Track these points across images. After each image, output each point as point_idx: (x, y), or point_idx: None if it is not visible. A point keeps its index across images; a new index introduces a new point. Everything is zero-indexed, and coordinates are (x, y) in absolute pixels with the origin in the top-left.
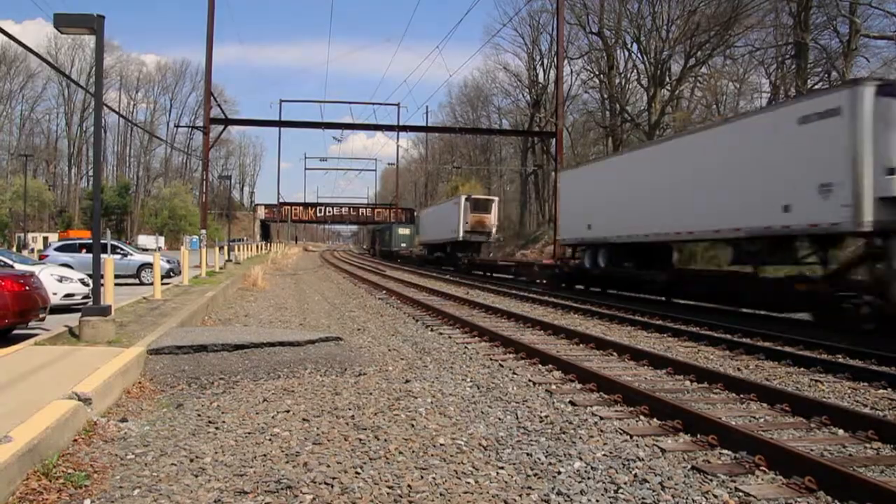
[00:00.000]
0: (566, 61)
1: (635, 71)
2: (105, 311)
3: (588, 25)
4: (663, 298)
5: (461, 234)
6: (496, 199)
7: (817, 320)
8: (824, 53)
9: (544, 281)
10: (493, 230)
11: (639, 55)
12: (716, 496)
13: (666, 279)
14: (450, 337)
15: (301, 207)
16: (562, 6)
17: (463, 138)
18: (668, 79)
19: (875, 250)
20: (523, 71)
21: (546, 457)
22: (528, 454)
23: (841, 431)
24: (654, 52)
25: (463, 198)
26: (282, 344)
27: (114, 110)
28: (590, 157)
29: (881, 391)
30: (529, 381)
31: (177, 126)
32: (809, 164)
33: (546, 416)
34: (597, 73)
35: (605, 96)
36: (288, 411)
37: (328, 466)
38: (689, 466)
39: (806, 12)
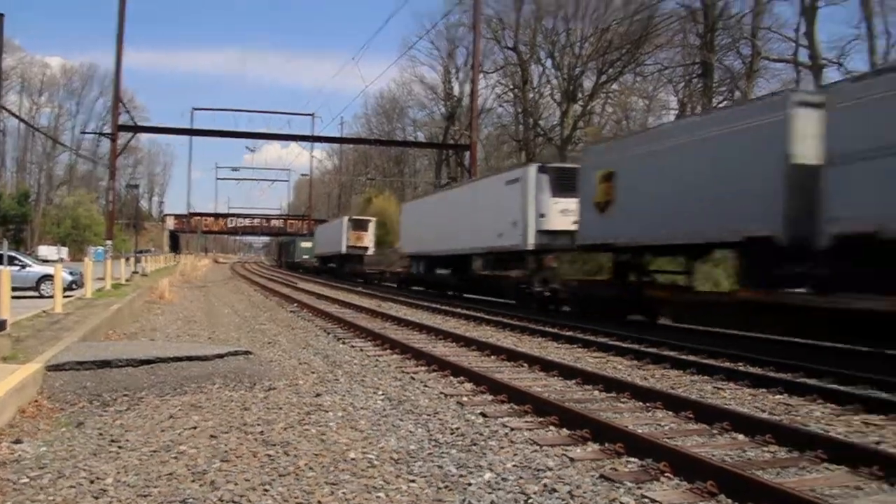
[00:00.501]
0: (481, 75)
1: (549, 86)
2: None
3: (503, 40)
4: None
5: (344, 248)
6: (373, 220)
7: (517, 303)
8: (729, 73)
9: (394, 284)
10: (371, 246)
11: (553, 71)
12: (623, 503)
13: (456, 281)
14: (361, 349)
15: (212, 218)
16: (478, 21)
17: (377, 150)
18: (580, 94)
19: (537, 261)
20: (439, 84)
21: (457, 469)
22: (438, 466)
23: (741, 436)
24: (568, 68)
25: (345, 218)
26: (189, 358)
27: (13, 114)
28: (503, 169)
29: (778, 396)
30: (441, 393)
31: (83, 132)
32: (509, 209)
33: (457, 429)
34: (511, 87)
35: (519, 110)
36: (195, 428)
37: (236, 484)
38: (598, 475)
39: (712, 34)
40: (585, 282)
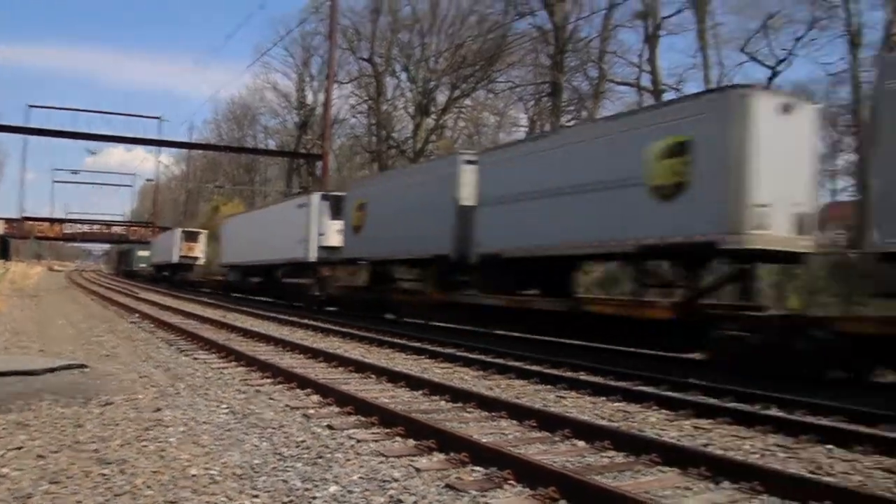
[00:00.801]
0: (336, 85)
1: (403, 99)
2: None
3: (359, 51)
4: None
5: (176, 258)
6: (205, 232)
7: (304, 305)
8: (577, 94)
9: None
10: (202, 256)
11: (407, 84)
12: None
13: (264, 287)
14: (205, 362)
15: (47, 223)
16: (334, 30)
17: (227, 157)
18: (433, 108)
19: (319, 271)
20: (292, 91)
21: (302, 482)
22: (283, 481)
23: (581, 443)
24: (422, 82)
25: (179, 230)
26: (16, 373)
27: None
28: (354, 179)
29: (617, 404)
30: (287, 405)
31: None
32: (299, 228)
33: (303, 441)
34: (366, 98)
35: (373, 122)
36: (20, 448)
37: None
38: (443, 484)
39: (561, 55)
40: (350, 287)
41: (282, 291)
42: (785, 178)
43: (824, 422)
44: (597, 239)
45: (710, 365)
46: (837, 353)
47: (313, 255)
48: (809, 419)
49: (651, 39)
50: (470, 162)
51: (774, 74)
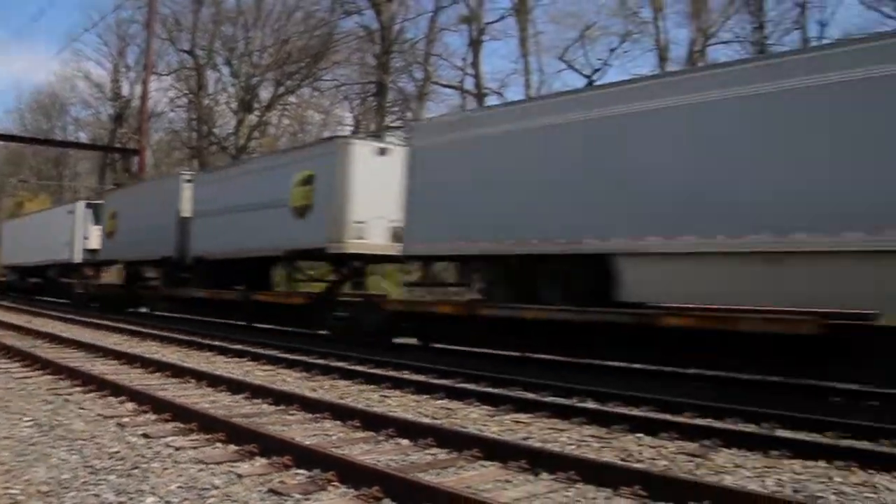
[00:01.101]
0: (154, 77)
1: (225, 94)
2: None
3: (179, 42)
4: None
5: None
6: None
7: (71, 301)
8: (402, 95)
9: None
10: None
11: (230, 78)
12: None
13: (40, 286)
14: (7, 371)
15: None
16: (153, 19)
17: (32, 149)
18: (256, 104)
19: (83, 272)
20: (107, 82)
21: (116, 496)
22: (95, 495)
23: (405, 441)
24: (245, 77)
25: None
26: None
27: None
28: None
29: (440, 402)
30: (99, 415)
31: None
32: (67, 232)
33: (117, 452)
34: (186, 91)
35: (194, 116)
36: None
37: None
38: (266, 489)
39: (387, 56)
40: (107, 286)
41: (57, 289)
42: (381, 202)
43: (635, 412)
44: (268, 245)
45: (330, 337)
46: (394, 324)
47: (78, 257)
48: (621, 410)
49: (475, 44)
50: (189, 180)
51: (590, 83)
